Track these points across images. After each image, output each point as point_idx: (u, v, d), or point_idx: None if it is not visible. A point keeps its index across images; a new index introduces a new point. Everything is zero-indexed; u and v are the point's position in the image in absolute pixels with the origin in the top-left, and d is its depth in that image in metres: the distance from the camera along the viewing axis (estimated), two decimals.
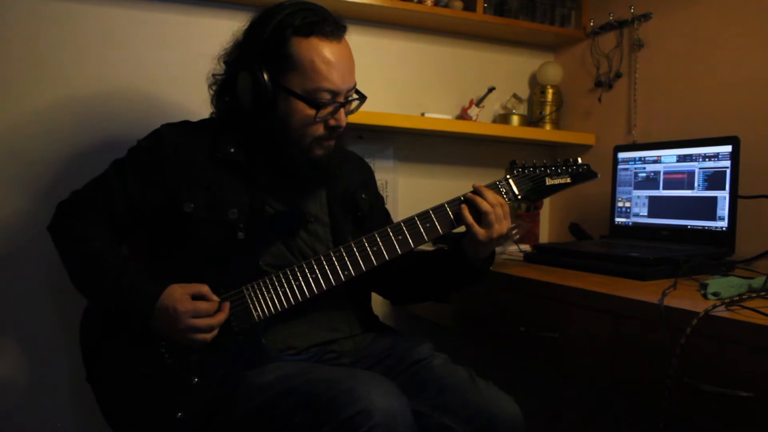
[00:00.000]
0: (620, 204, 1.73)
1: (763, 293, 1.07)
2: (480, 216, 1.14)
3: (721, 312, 0.96)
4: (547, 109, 2.08)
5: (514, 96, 2.09)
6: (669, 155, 1.61)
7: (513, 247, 1.74)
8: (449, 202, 1.18)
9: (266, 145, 1.16)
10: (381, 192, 1.48)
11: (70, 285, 1.15)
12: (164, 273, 1.12)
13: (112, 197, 1.16)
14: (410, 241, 1.15)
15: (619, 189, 1.74)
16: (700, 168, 1.52)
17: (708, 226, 1.49)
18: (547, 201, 2.21)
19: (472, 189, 1.17)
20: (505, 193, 1.21)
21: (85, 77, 1.59)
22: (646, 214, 1.66)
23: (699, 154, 1.53)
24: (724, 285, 1.07)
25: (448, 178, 2.05)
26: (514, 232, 1.73)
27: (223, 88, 1.20)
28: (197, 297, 1.08)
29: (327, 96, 1.11)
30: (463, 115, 2.01)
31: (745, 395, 0.90)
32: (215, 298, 1.10)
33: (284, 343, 1.16)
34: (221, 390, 1.09)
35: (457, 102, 2.05)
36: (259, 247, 1.15)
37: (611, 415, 1.76)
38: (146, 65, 1.64)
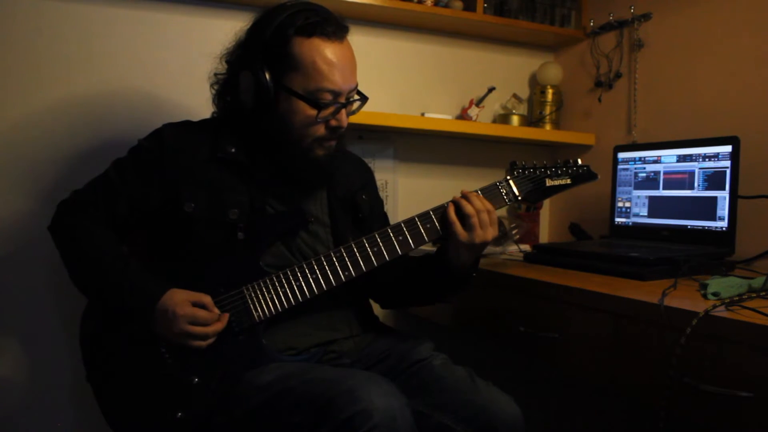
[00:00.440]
0: (620, 204, 1.73)
1: (763, 293, 1.07)
2: (463, 218, 1.13)
3: (721, 312, 0.96)
4: (547, 109, 2.08)
5: (514, 96, 2.09)
6: (669, 155, 1.61)
7: (513, 247, 1.74)
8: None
9: (267, 145, 1.16)
10: (381, 192, 1.48)
11: (71, 284, 1.15)
12: (165, 272, 1.13)
13: (112, 197, 1.16)
14: (410, 241, 1.15)
15: (619, 189, 1.74)
16: (700, 168, 1.52)
17: (708, 226, 1.49)
18: (547, 201, 2.21)
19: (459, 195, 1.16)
20: (505, 194, 1.21)
21: (86, 77, 1.59)
22: (646, 214, 1.66)
23: (699, 154, 1.53)
24: (724, 285, 1.07)
25: (448, 178, 2.06)
26: (514, 232, 1.73)
27: (225, 87, 1.20)
28: (198, 305, 1.09)
29: (328, 96, 1.11)
30: (463, 115, 2.01)
31: (745, 395, 0.90)
32: (216, 310, 1.10)
33: (284, 343, 1.16)
34: (221, 390, 1.09)
35: (457, 102, 2.05)
36: (259, 247, 1.15)
37: (611, 415, 1.76)
38: (147, 65, 1.64)
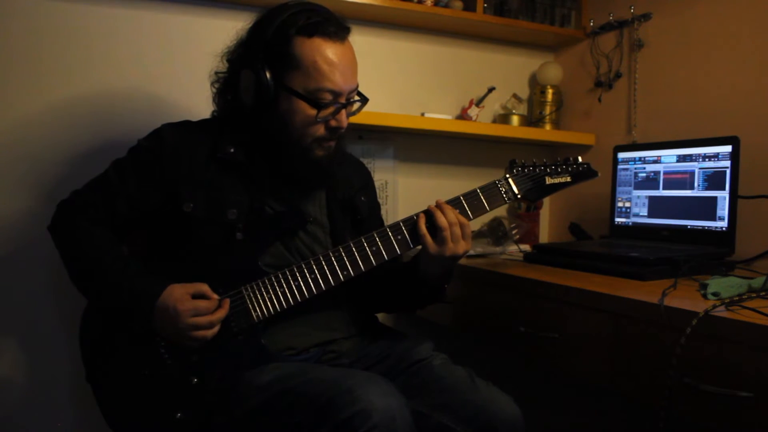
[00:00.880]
0: (620, 204, 1.73)
1: (763, 293, 1.07)
2: (435, 230, 1.13)
3: (721, 312, 0.96)
4: (547, 109, 2.08)
5: (514, 96, 2.09)
6: (669, 155, 1.61)
7: (513, 247, 1.74)
8: (448, 202, 1.18)
9: (267, 145, 1.16)
10: (381, 192, 1.48)
11: (71, 285, 1.16)
12: (164, 273, 1.13)
13: (112, 197, 1.16)
14: (409, 241, 1.15)
15: (619, 189, 1.74)
16: (700, 168, 1.52)
17: (708, 226, 1.49)
18: (547, 201, 2.21)
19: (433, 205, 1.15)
20: (505, 193, 1.21)
21: (87, 77, 1.59)
22: (646, 214, 1.66)
23: (699, 154, 1.52)
24: (724, 285, 1.06)
25: (448, 178, 2.05)
26: (514, 232, 1.73)
27: (226, 86, 1.20)
28: (197, 296, 1.09)
29: (328, 96, 1.11)
30: (463, 115, 2.01)
31: (745, 395, 0.90)
32: (215, 296, 1.10)
33: (283, 343, 1.16)
34: (220, 390, 1.09)
35: (457, 102, 2.05)
36: (258, 248, 1.14)
37: (611, 415, 1.76)
38: (148, 65, 1.64)
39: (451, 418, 1.09)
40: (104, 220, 1.16)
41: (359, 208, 1.29)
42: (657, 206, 1.63)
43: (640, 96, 1.88)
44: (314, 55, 1.09)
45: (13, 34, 1.52)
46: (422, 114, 1.94)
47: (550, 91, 2.08)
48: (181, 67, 1.66)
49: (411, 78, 1.99)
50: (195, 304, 1.07)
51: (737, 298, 1.02)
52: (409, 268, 1.22)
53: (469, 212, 1.18)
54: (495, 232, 1.74)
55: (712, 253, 1.39)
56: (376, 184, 1.57)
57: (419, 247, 1.16)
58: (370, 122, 1.72)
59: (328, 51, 1.09)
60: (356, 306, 1.28)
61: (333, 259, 1.13)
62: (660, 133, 1.80)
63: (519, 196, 1.22)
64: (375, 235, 1.15)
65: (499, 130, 1.98)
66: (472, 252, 1.70)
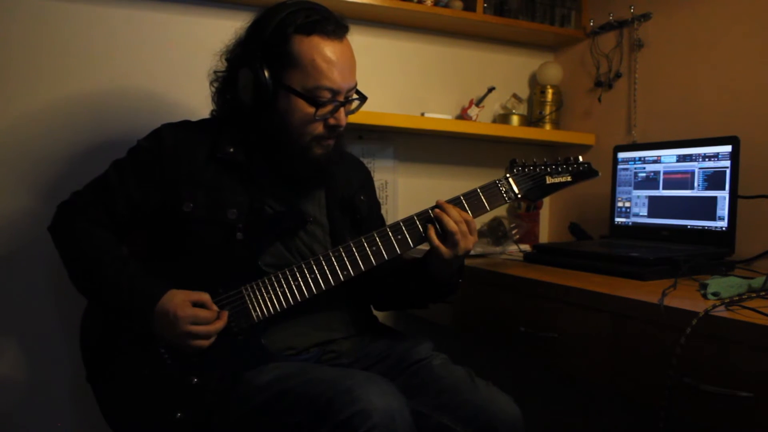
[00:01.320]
0: (620, 204, 1.73)
1: (763, 293, 1.07)
2: (446, 235, 1.12)
3: (721, 312, 0.96)
4: (547, 109, 2.08)
5: (514, 96, 2.09)
6: (669, 155, 1.61)
7: (513, 247, 1.74)
8: (449, 201, 1.18)
9: (266, 144, 1.16)
10: (381, 192, 1.48)
11: (71, 285, 1.15)
12: (164, 273, 1.13)
13: (112, 198, 1.16)
14: (409, 240, 1.15)
15: (619, 189, 1.74)
16: (700, 168, 1.52)
17: (708, 226, 1.49)
18: (547, 201, 2.21)
19: (434, 205, 1.15)
20: (505, 192, 1.21)
21: (86, 77, 1.59)
22: (646, 214, 1.66)
23: (699, 154, 1.52)
24: (724, 285, 1.06)
25: (448, 178, 2.05)
26: (514, 232, 1.73)
27: (225, 85, 1.20)
28: (198, 304, 1.09)
29: (327, 94, 1.11)
30: (463, 115, 2.01)
31: (745, 395, 0.90)
32: (215, 307, 1.10)
33: (283, 343, 1.16)
34: (220, 390, 1.09)
35: (457, 102, 2.05)
36: (258, 248, 1.14)
37: (611, 415, 1.76)
38: (147, 65, 1.64)
39: (450, 418, 1.09)
40: (104, 220, 1.15)
41: (359, 208, 1.29)
42: (657, 206, 1.63)
43: (640, 96, 1.88)
44: (313, 53, 1.09)
45: (13, 34, 1.52)
46: (422, 114, 1.94)
47: (550, 91, 2.08)
48: (180, 67, 1.66)
49: (411, 78, 1.99)
50: (195, 312, 1.07)
51: (737, 298, 1.02)
52: (420, 269, 1.21)
53: (469, 212, 1.18)
54: (495, 232, 1.74)
55: (712, 253, 1.39)
56: (376, 184, 1.57)
57: (420, 246, 1.16)
58: (369, 122, 1.72)
59: (326, 49, 1.09)
60: (356, 306, 1.28)
61: (333, 258, 1.13)
62: (660, 133, 1.80)
63: (519, 196, 1.22)
64: (375, 234, 1.15)
65: (499, 130, 1.98)
66: (472, 252, 1.69)
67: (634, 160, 1.70)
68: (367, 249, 1.14)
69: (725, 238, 1.44)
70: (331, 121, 1.14)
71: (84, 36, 1.58)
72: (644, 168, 1.67)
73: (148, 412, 1.11)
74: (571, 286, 1.21)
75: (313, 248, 1.21)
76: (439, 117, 1.90)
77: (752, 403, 0.90)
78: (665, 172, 1.61)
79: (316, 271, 1.13)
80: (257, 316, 1.12)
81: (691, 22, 1.72)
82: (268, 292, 1.12)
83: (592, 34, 2.02)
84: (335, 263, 1.13)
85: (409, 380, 1.14)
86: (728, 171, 1.45)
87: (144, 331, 1.10)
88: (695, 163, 1.53)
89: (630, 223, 1.70)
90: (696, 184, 1.53)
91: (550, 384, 1.91)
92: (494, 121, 2.12)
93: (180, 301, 1.07)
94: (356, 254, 1.14)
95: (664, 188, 1.61)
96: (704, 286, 1.07)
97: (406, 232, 1.15)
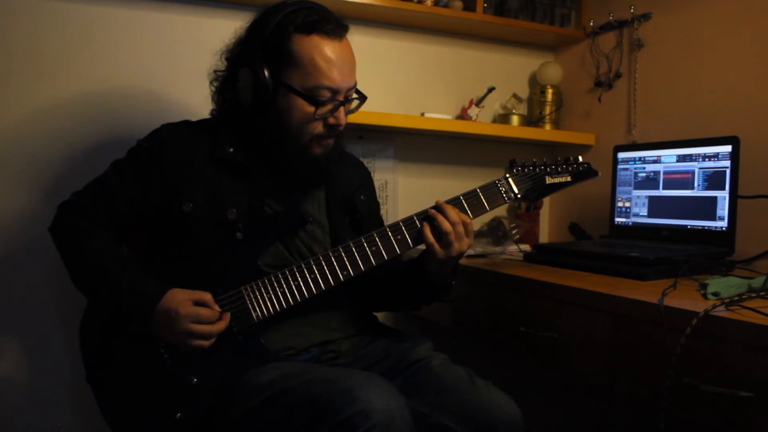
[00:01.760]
0: (620, 204, 1.73)
1: (763, 293, 1.07)
2: (441, 236, 1.12)
3: (721, 312, 0.96)
4: (547, 109, 2.08)
5: (514, 96, 2.09)
6: (669, 155, 1.61)
7: (513, 247, 1.74)
8: (448, 201, 1.18)
9: (265, 144, 1.16)
10: (381, 192, 1.48)
11: (71, 285, 1.15)
12: (163, 273, 1.13)
13: (112, 198, 1.16)
14: (409, 240, 1.15)
15: (619, 189, 1.74)
16: (700, 168, 1.52)
17: (708, 226, 1.49)
18: (546, 201, 2.21)
19: (433, 205, 1.15)
20: (505, 193, 1.21)
21: (87, 77, 1.59)
22: (646, 214, 1.66)
23: (699, 154, 1.52)
24: (724, 285, 1.06)
25: (448, 178, 2.05)
26: (514, 232, 1.73)
27: (224, 84, 1.20)
28: (199, 304, 1.09)
29: (327, 94, 1.11)
30: (463, 115, 2.01)
31: (745, 395, 0.90)
32: (217, 308, 1.10)
33: (283, 343, 1.16)
34: (220, 390, 1.09)
35: (457, 102, 2.05)
36: (257, 248, 1.14)
37: (611, 415, 1.76)
38: (147, 65, 1.64)
39: (450, 417, 1.09)
40: (104, 220, 1.16)
41: (358, 207, 1.29)
42: (657, 206, 1.63)
43: (640, 96, 1.88)
44: (312, 52, 1.09)
45: (13, 33, 1.52)
46: (422, 114, 1.94)
47: (550, 91, 2.08)
48: (180, 67, 1.66)
49: (411, 78, 1.99)
50: (197, 311, 1.07)
51: (737, 298, 1.02)
52: (414, 269, 1.21)
53: (469, 212, 1.18)
54: (495, 232, 1.74)
55: (712, 253, 1.39)
56: (376, 184, 1.57)
57: (419, 246, 1.16)
58: (370, 122, 1.72)
59: (326, 48, 1.09)
60: (356, 306, 1.28)
61: (333, 259, 1.13)
62: (660, 133, 1.80)
63: (519, 196, 1.22)
64: (375, 234, 1.15)
65: (499, 130, 1.98)
66: (472, 252, 1.70)
67: (634, 160, 1.70)
68: (367, 249, 1.14)
69: (725, 238, 1.44)
70: (331, 120, 1.14)
71: (84, 36, 1.58)
72: (644, 168, 1.67)
73: (148, 412, 1.11)
74: (571, 286, 1.21)
75: (313, 248, 1.21)
76: (439, 117, 1.90)
77: (752, 403, 0.90)
78: (665, 172, 1.61)
79: (316, 272, 1.13)
80: (257, 316, 1.12)
81: (691, 22, 1.72)
82: (267, 292, 1.12)
83: (592, 34, 2.02)
84: (335, 263, 1.13)
85: (408, 380, 1.14)
86: (728, 171, 1.45)
87: (144, 330, 1.10)
88: (695, 163, 1.53)
89: (630, 223, 1.70)
90: (696, 184, 1.52)
91: (550, 384, 1.91)
92: (494, 121, 2.12)
93: (182, 299, 1.07)
94: (356, 254, 1.14)
95: (664, 188, 1.61)
96: (704, 286, 1.07)
97: (405, 232, 1.15)
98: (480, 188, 1.20)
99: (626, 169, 1.72)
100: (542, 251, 1.61)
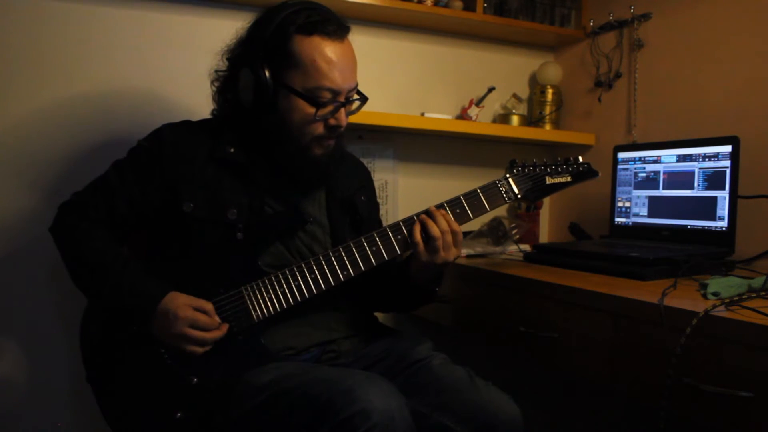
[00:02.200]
0: (620, 204, 1.73)
1: (763, 293, 1.07)
2: (428, 238, 1.13)
3: (721, 312, 0.96)
4: (547, 109, 2.08)
5: (514, 96, 2.09)
6: (669, 155, 1.61)
7: (513, 247, 1.74)
8: (448, 202, 1.18)
9: (266, 144, 1.16)
10: (381, 192, 1.48)
11: (71, 285, 1.16)
12: (164, 273, 1.13)
13: (112, 198, 1.16)
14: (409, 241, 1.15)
15: (619, 189, 1.74)
16: (700, 168, 1.52)
17: (708, 226, 1.49)
18: (547, 201, 2.21)
19: (424, 211, 1.15)
20: (505, 193, 1.21)
21: (87, 77, 1.59)
22: (646, 214, 1.66)
23: (699, 154, 1.52)
24: (724, 285, 1.06)
25: (448, 178, 2.05)
26: (514, 232, 1.73)
27: (225, 84, 1.20)
28: (200, 311, 1.09)
29: (327, 95, 1.11)
30: (463, 115, 2.01)
31: (745, 395, 0.90)
32: (217, 318, 1.10)
33: (283, 343, 1.16)
34: (220, 390, 1.09)
35: (457, 102, 2.05)
36: (258, 248, 1.14)
37: (611, 415, 1.76)
38: (148, 65, 1.64)
39: (450, 417, 1.09)
40: (105, 220, 1.16)
41: (359, 208, 1.29)
42: (657, 206, 1.63)
43: (640, 96, 1.88)
44: (313, 53, 1.09)
45: (13, 34, 1.52)
46: (422, 114, 1.94)
47: (550, 91, 2.08)
48: (181, 67, 1.66)
49: (411, 78, 1.99)
50: (195, 315, 1.07)
51: (737, 298, 1.02)
52: (401, 271, 1.22)
53: (469, 212, 1.18)
54: (495, 232, 1.74)
55: (712, 253, 1.39)
56: (376, 184, 1.57)
57: None
58: (370, 122, 1.72)
59: (327, 50, 1.09)
60: (356, 306, 1.28)
61: (333, 259, 1.13)
62: (660, 133, 1.80)
63: (519, 196, 1.22)
64: (375, 234, 1.15)
65: (499, 130, 1.98)
66: (472, 252, 1.70)
67: (634, 160, 1.70)
68: (367, 249, 1.14)
69: (725, 238, 1.44)
70: (332, 121, 1.14)
71: (84, 36, 1.58)
72: (644, 168, 1.67)
73: (148, 412, 1.11)
74: (571, 286, 1.21)
75: (313, 248, 1.21)
76: (439, 117, 1.90)
77: (752, 403, 0.90)
78: (665, 172, 1.61)
79: (316, 272, 1.13)
80: (257, 316, 1.12)
81: (691, 22, 1.72)
82: (268, 293, 1.13)
83: (592, 34, 2.02)
84: (335, 263, 1.13)
85: (408, 380, 1.14)
86: (728, 171, 1.45)
87: (144, 331, 1.10)
88: (695, 163, 1.53)
89: (630, 223, 1.70)
90: (696, 184, 1.53)
91: (550, 384, 1.91)
92: (494, 121, 2.12)
93: (181, 302, 1.07)
94: (356, 254, 1.14)
95: (664, 188, 1.61)
96: (704, 286, 1.07)
97: (405, 231, 1.15)
98: (480, 188, 1.20)
99: (626, 169, 1.72)
100: (542, 251, 1.62)
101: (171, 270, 1.14)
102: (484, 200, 1.19)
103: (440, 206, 1.17)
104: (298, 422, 0.97)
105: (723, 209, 1.45)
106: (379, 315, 1.38)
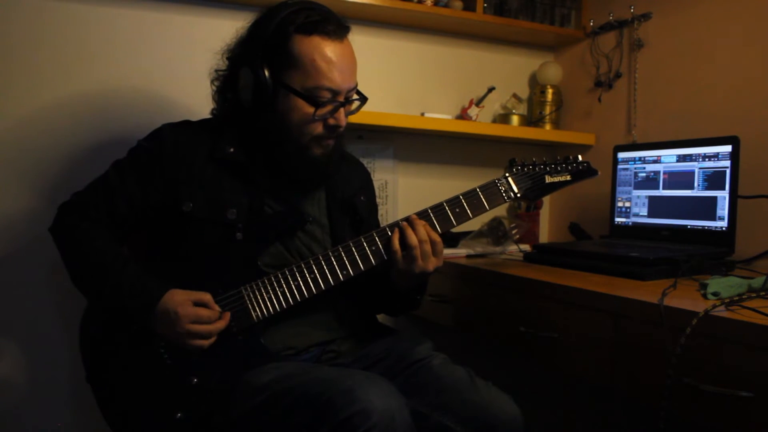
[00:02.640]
0: (620, 204, 1.73)
1: (763, 293, 1.07)
2: (405, 247, 1.12)
3: (721, 312, 0.96)
4: (547, 109, 2.07)
5: (514, 96, 2.09)
6: (669, 155, 1.61)
7: (513, 247, 1.74)
8: (448, 201, 1.18)
9: (265, 144, 1.16)
10: (381, 192, 1.48)
11: (71, 285, 1.16)
12: (164, 273, 1.13)
13: (112, 198, 1.16)
14: None
15: (619, 189, 1.74)
16: (700, 168, 1.52)
17: (708, 226, 1.49)
18: (546, 201, 2.21)
19: (405, 218, 1.15)
20: (505, 192, 1.21)
21: (88, 77, 1.59)
22: (646, 214, 1.66)
23: (699, 154, 1.52)
24: (724, 285, 1.06)
25: (448, 178, 2.05)
26: (514, 232, 1.73)
27: (225, 84, 1.20)
28: (199, 304, 1.09)
29: (327, 95, 1.11)
30: (463, 115, 2.01)
31: (745, 395, 0.90)
32: (216, 307, 1.10)
33: (283, 343, 1.16)
34: (220, 390, 1.09)
35: (457, 102, 2.05)
36: (257, 248, 1.14)
37: (611, 415, 1.76)
38: (148, 64, 1.64)
39: (450, 417, 1.09)
40: (105, 220, 1.16)
41: (358, 208, 1.29)
42: (657, 206, 1.63)
43: (640, 96, 1.88)
44: (313, 53, 1.09)
45: (13, 34, 1.52)
46: (422, 114, 1.94)
47: (550, 90, 2.08)
48: (181, 67, 1.66)
49: (411, 78, 1.99)
50: (196, 311, 1.07)
51: (737, 298, 1.02)
52: (383, 277, 1.21)
53: (468, 212, 1.18)
54: (495, 232, 1.74)
55: (712, 253, 1.39)
56: (376, 184, 1.57)
57: None
58: (370, 122, 1.72)
59: (326, 49, 1.09)
60: (355, 306, 1.28)
61: (332, 258, 1.13)
62: (660, 133, 1.80)
63: (519, 195, 1.22)
64: (374, 234, 1.15)
65: (499, 130, 1.98)
66: (472, 252, 1.70)
67: (634, 160, 1.70)
68: (367, 249, 1.14)
69: (725, 238, 1.44)
70: (331, 121, 1.14)
71: (84, 36, 1.58)
72: (644, 168, 1.67)
73: (148, 412, 1.11)
74: (571, 286, 1.21)
75: (313, 248, 1.21)
76: (439, 117, 1.90)
77: (752, 403, 0.90)
78: (665, 172, 1.61)
79: (316, 271, 1.13)
80: (257, 316, 1.12)
81: (691, 22, 1.72)
82: (267, 292, 1.12)
83: (592, 34, 2.02)
84: (335, 263, 1.13)
85: (408, 380, 1.14)
86: (728, 171, 1.45)
87: (144, 331, 1.10)
88: (695, 163, 1.53)
89: (630, 223, 1.70)
90: (696, 184, 1.52)
91: (550, 384, 1.91)
92: (494, 121, 2.12)
93: (181, 300, 1.07)
94: (356, 254, 1.14)
95: (664, 188, 1.61)
96: (704, 286, 1.07)
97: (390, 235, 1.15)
98: (480, 188, 1.20)
99: (626, 169, 1.72)
100: (542, 251, 1.61)
101: (171, 270, 1.14)
102: (483, 199, 1.19)
103: (440, 205, 1.17)
104: (298, 422, 0.97)
105: (723, 209, 1.45)
106: (380, 315, 1.38)
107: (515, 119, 2.04)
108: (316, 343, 1.19)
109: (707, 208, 1.49)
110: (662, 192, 1.62)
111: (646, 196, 1.66)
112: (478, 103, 1.99)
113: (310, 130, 1.13)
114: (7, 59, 1.52)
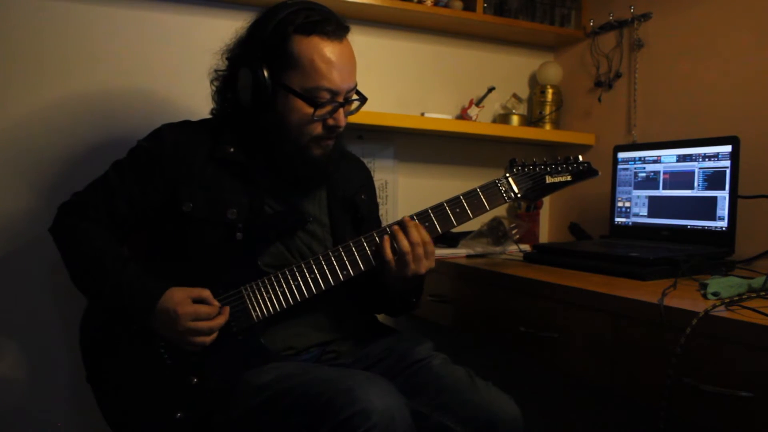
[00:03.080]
0: (620, 204, 1.73)
1: (763, 293, 1.07)
2: (396, 253, 1.12)
3: (721, 312, 0.96)
4: (547, 109, 2.07)
5: (514, 96, 2.09)
6: (669, 155, 1.61)
7: (513, 247, 1.74)
8: (448, 201, 1.18)
9: (265, 144, 1.16)
10: (381, 192, 1.48)
11: (71, 285, 1.16)
12: (164, 273, 1.13)
13: (112, 198, 1.16)
14: None
15: (618, 189, 1.74)
16: (700, 168, 1.52)
17: (708, 226, 1.49)
18: (546, 201, 2.21)
19: (396, 222, 1.14)
20: (505, 192, 1.21)
21: (88, 77, 1.59)
22: (645, 214, 1.66)
23: (699, 154, 1.52)
24: (724, 285, 1.06)
25: (448, 178, 2.05)
26: (514, 232, 1.73)
27: (225, 84, 1.20)
28: (198, 301, 1.09)
29: (326, 95, 1.11)
30: (463, 115, 2.01)
31: (745, 395, 0.90)
32: (216, 302, 1.10)
33: (283, 343, 1.16)
34: (220, 390, 1.09)
35: (457, 102, 2.05)
36: (257, 248, 1.14)
37: (611, 415, 1.76)
38: (148, 65, 1.65)
39: (450, 417, 1.09)
40: (104, 220, 1.16)
41: (359, 206, 1.29)
42: (657, 206, 1.63)
43: (640, 96, 1.88)
44: (312, 53, 1.09)
45: (13, 33, 1.52)
46: (422, 114, 1.94)
47: (550, 90, 2.08)
48: (181, 67, 1.66)
49: (411, 78, 1.99)
50: (196, 309, 1.07)
51: (737, 298, 1.02)
52: (377, 280, 1.20)
53: (469, 212, 1.18)
54: (495, 232, 1.74)
55: (712, 253, 1.39)
56: (376, 184, 1.57)
57: None
58: (369, 122, 1.72)
59: (326, 50, 1.09)
60: (355, 306, 1.28)
61: (333, 258, 1.13)
62: (660, 133, 1.80)
63: (519, 196, 1.22)
64: (375, 234, 1.15)
65: (499, 130, 1.98)
66: (472, 252, 1.70)
67: (634, 160, 1.70)
68: (367, 249, 1.14)
69: (725, 238, 1.44)
70: (330, 121, 1.14)
71: (84, 36, 1.58)
72: (644, 168, 1.67)
73: (148, 412, 1.11)
74: (571, 286, 1.21)
75: (313, 248, 1.21)
76: (439, 117, 1.90)
77: (752, 403, 0.90)
78: (665, 172, 1.61)
79: (316, 271, 1.13)
80: (257, 316, 1.12)
81: (691, 22, 1.72)
82: (267, 292, 1.12)
83: (592, 34, 2.02)
84: (335, 263, 1.13)
85: (408, 380, 1.14)
86: (728, 171, 1.45)
87: (144, 330, 1.10)
88: (695, 163, 1.53)
89: (630, 223, 1.70)
90: (696, 184, 1.52)
91: (550, 384, 1.91)
92: (494, 121, 2.12)
93: (180, 298, 1.07)
94: (356, 254, 1.14)
95: (664, 188, 1.61)
96: (704, 286, 1.07)
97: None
98: (480, 188, 1.20)
99: (626, 169, 1.72)
100: (542, 251, 1.61)
101: (171, 270, 1.14)
102: (483, 200, 1.19)
103: (440, 205, 1.17)
104: (297, 422, 0.97)
105: (723, 209, 1.45)
106: (379, 315, 1.38)
107: (515, 119, 2.04)
108: (316, 343, 1.19)
109: (707, 208, 1.49)
110: (662, 192, 1.62)
111: (646, 196, 1.66)
112: (478, 103, 1.99)
113: (310, 131, 1.13)
114: (7, 59, 1.52)
